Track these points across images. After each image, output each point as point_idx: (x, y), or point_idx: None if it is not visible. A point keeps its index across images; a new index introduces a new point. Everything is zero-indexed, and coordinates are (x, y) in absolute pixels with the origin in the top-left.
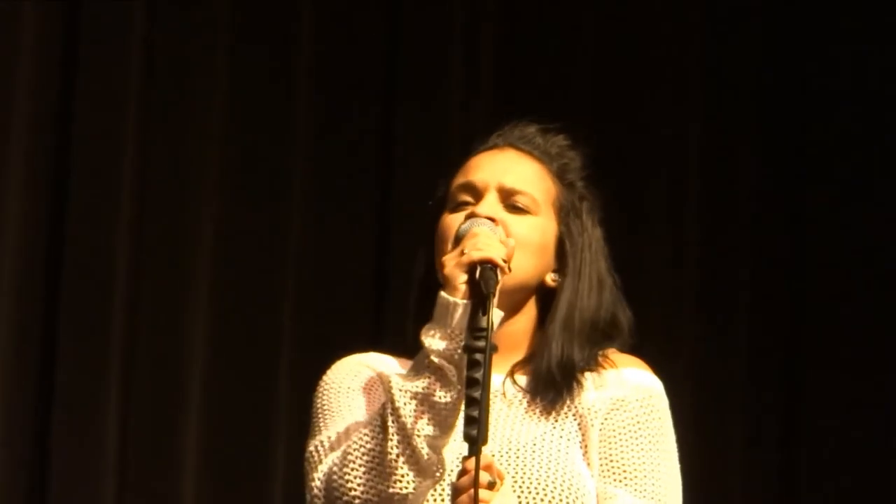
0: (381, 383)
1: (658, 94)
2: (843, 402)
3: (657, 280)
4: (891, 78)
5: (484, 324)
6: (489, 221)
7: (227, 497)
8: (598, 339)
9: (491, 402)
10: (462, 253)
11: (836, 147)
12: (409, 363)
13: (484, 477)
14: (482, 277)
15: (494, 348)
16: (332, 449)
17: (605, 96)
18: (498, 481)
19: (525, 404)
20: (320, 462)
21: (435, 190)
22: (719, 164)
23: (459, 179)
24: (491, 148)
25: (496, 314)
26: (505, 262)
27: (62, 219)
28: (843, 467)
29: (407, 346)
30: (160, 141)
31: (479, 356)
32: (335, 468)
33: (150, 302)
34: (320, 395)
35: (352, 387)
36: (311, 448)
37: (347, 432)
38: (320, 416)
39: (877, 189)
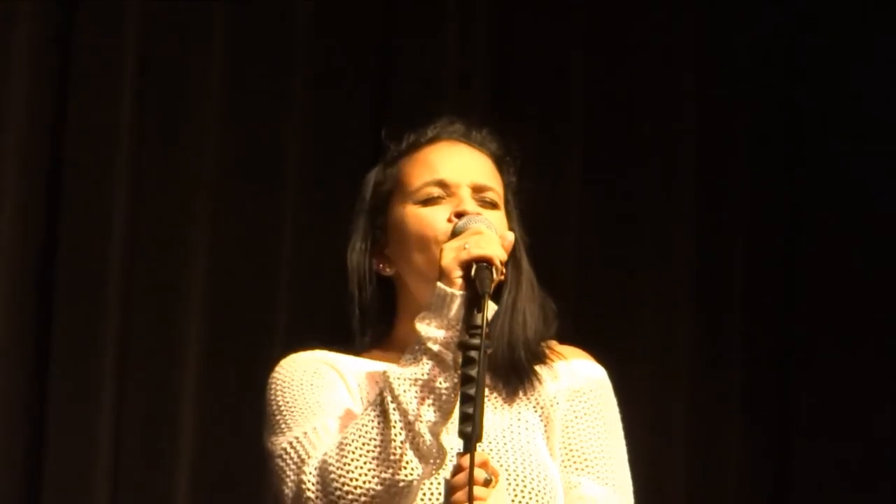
0: (341, 379)
1: (651, 88)
2: (839, 403)
3: (649, 281)
4: (886, 69)
5: (479, 321)
6: (489, 221)
7: (222, 495)
8: (541, 330)
9: None
10: (463, 248)
11: (833, 143)
12: (362, 360)
13: (480, 474)
14: (478, 276)
15: (489, 346)
16: (312, 445)
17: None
18: (493, 479)
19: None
20: (306, 458)
21: (370, 177)
22: (713, 159)
23: (425, 175)
24: (436, 140)
25: (491, 311)
26: (501, 263)
27: (57, 216)
28: (834, 483)
29: (358, 341)
30: (155, 132)
31: (473, 353)
32: (331, 461)
33: (144, 300)
34: (280, 391)
35: (315, 383)
36: (284, 445)
37: (326, 427)
38: (285, 412)
39: (874, 185)
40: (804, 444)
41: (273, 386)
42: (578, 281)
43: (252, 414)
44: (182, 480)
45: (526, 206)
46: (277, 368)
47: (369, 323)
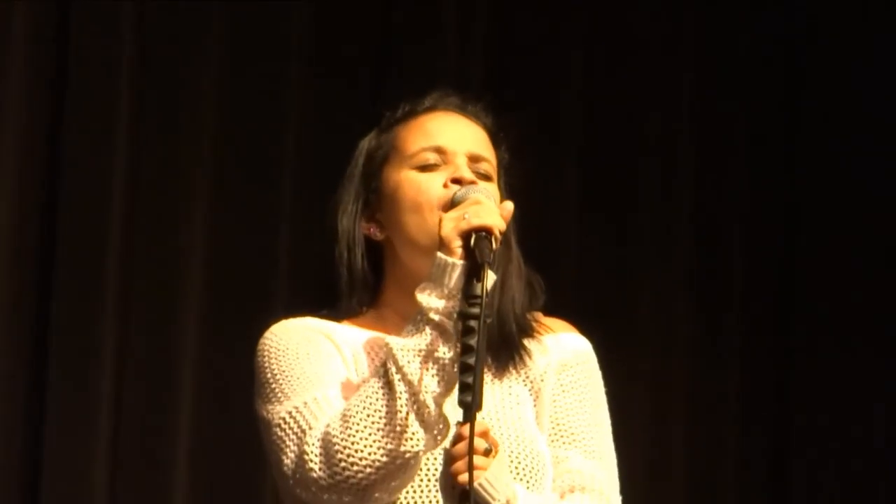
0: (336, 349)
1: (651, 88)
2: (835, 404)
3: (649, 281)
4: (886, 69)
5: (478, 291)
6: (488, 190)
7: (220, 488)
8: (527, 305)
9: None
10: (463, 218)
11: (833, 143)
12: (354, 328)
13: (480, 444)
14: (477, 245)
15: (489, 316)
16: (313, 415)
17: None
18: (494, 449)
19: None
20: (307, 428)
21: (364, 143)
22: (713, 158)
23: (422, 141)
24: (433, 110)
25: (490, 279)
26: (501, 233)
27: (54, 208)
28: (833, 481)
29: (346, 305)
30: (153, 123)
31: (473, 323)
32: (335, 433)
33: (142, 300)
34: (274, 358)
35: (311, 352)
36: (283, 415)
37: (327, 398)
38: (281, 381)
39: (873, 185)
40: (803, 443)
41: (265, 353)
42: (578, 280)
43: (250, 408)
44: (180, 474)
45: (516, 184)
46: (268, 335)
47: (357, 286)
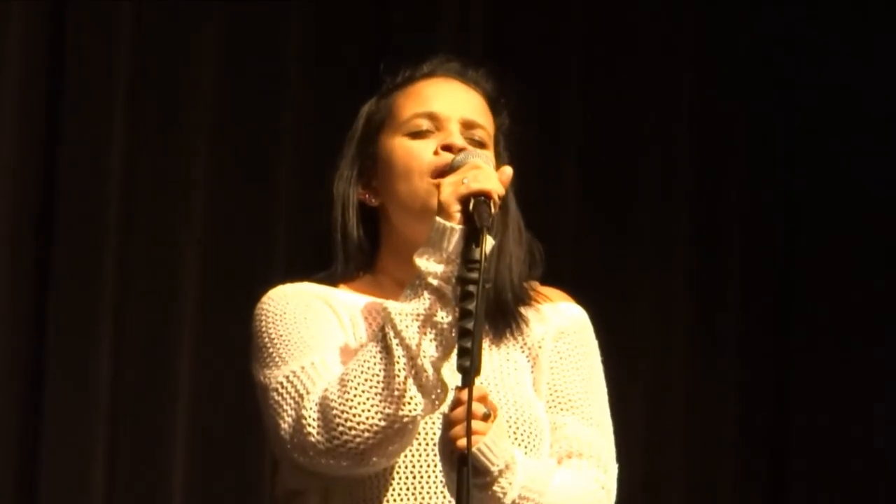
0: (334, 314)
1: (650, 86)
2: (835, 404)
3: (647, 281)
4: (886, 69)
5: (477, 255)
6: (486, 155)
7: (216, 481)
8: (526, 273)
9: None
10: (462, 182)
11: (832, 142)
12: (351, 293)
13: (478, 408)
14: (476, 210)
15: (488, 280)
16: (311, 380)
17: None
18: (492, 413)
19: None
20: (305, 393)
21: (364, 109)
22: (712, 158)
23: (415, 107)
24: (431, 76)
25: (489, 244)
26: (499, 197)
27: (51, 206)
28: (832, 481)
29: (341, 269)
30: (150, 122)
31: (471, 287)
32: (332, 397)
33: (140, 300)
34: (272, 323)
35: (309, 317)
36: (280, 379)
37: (324, 362)
38: (279, 345)
39: (873, 184)
40: (803, 443)
41: (263, 317)
42: (576, 280)
43: (247, 402)
44: (177, 464)
45: (517, 150)
46: (265, 299)
47: (352, 251)
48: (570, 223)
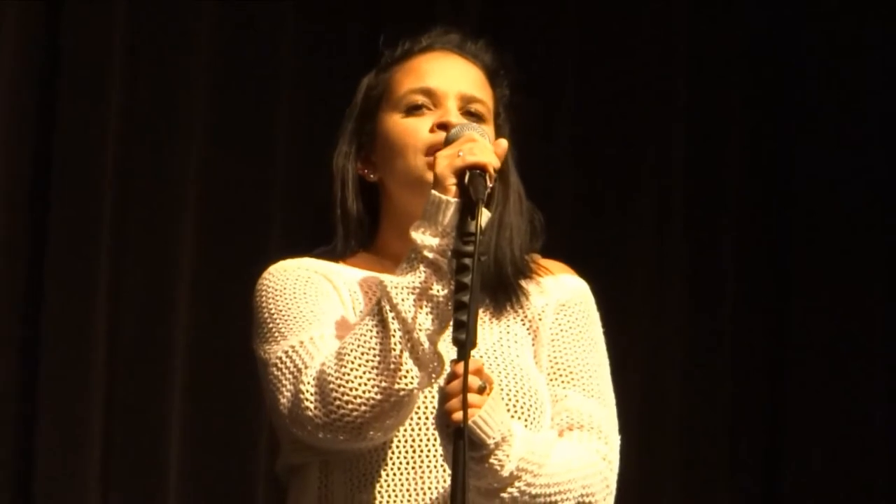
0: (334, 289)
1: (646, 81)
2: (834, 404)
3: (644, 280)
4: (883, 68)
5: (472, 228)
6: (482, 128)
7: (213, 473)
8: (527, 244)
9: None
10: (457, 155)
11: (831, 142)
12: (351, 268)
13: (474, 381)
14: (472, 183)
15: (484, 253)
16: (309, 354)
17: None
18: (488, 386)
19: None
20: (303, 367)
21: (363, 82)
22: (706, 156)
23: (412, 82)
24: (429, 50)
25: (485, 217)
26: (495, 170)
27: (46, 198)
28: (832, 481)
29: (341, 245)
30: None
31: (467, 260)
32: (329, 371)
33: (137, 290)
34: (272, 298)
35: (308, 293)
36: (280, 354)
37: (323, 337)
38: (279, 320)
39: (872, 184)
40: (803, 443)
41: (263, 293)
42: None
43: (245, 395)
44: (172, 455)
45: (518, 121)
46: (266, 275)
47: (351, 226)
48: (566, 222)
